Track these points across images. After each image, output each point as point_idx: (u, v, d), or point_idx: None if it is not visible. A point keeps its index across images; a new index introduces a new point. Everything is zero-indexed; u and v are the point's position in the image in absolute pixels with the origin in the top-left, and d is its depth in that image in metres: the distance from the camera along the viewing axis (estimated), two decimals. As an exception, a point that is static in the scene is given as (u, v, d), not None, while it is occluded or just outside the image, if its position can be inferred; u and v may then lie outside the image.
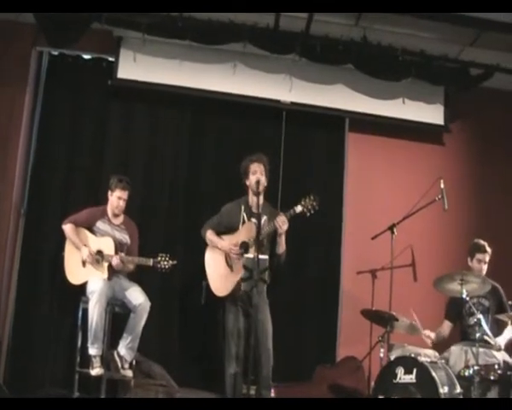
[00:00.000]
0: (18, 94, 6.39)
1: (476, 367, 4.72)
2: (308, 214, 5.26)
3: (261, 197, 5.19)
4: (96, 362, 5.37)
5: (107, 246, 5.63)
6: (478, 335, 4.90)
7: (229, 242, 5.40)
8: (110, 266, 5.58)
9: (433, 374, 4.63)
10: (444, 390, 4.57)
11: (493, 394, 4.78)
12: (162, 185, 6.59)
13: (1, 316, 6.10)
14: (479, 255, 5.60)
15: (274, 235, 5.33)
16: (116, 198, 5.75)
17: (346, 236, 6.76)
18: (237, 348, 5.27)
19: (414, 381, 4.71)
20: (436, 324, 5.57)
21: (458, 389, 4.68)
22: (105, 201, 5.84)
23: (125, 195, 5.77)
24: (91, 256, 5.59)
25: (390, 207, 6.43)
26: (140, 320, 5.51)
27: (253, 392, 5.11)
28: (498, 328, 5.40)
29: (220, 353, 5.44)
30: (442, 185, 5.71)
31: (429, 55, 6.55)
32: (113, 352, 5.47)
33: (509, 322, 5.11)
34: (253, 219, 5.36)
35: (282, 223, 5.21)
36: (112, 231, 5.76)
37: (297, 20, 6.21)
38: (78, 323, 5.63)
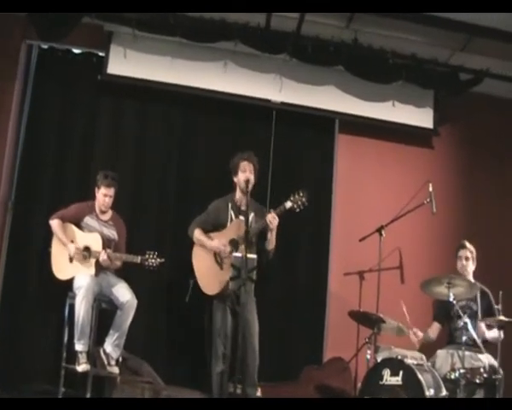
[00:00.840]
0: (7, 87, 6.32)
1: (462, 370, 4.74)
2: (298, 210, 5.28)
3: (248, 195, 5.20)
4: (83, 358, 5.33)
5: (95, 242, 5.59)
6: (464, 338, 4.92)
7: (217, 240, 5.40)
8: (97, 263, 5.55)
9: (420, 376, 4.63)
10: (430, 393, 4.57)
11: (479, 396, 4.81)
12: (152, 181, 6.55)
13: (-13, 311, 6.04)
14: (460, 253, 5.64)
15: (263, 231, 5.33)
16: (102, 195, 5.71)
17: (334, 237, 6.76)
18: (224, 347, 5.29)
19: (400, 383, 4.70)
20: (423, 326, 5.57)
21: (444, 392, 4.68)
22: (93, 196, 5.80)
23: (110, 192, 5.72)
24: (78, 252, 5.56)
25: (379, 209, 6.45)
26: (127, 318, 5.48)
27: (239, 391, 5.12)
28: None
29: (207, 351, 5.44)
30: (431, 189, 5.76)
31: (420, 58, 6.57)
32: (99, 349, 5.44)
33: (496, 326, 5.13)
34: (241, 217, 5.37)
35: (272, 218, 5.21)
36: (99, 227, 5.72)
37: (288, 21, 6.20)
38: (64, 318, 5.58)
